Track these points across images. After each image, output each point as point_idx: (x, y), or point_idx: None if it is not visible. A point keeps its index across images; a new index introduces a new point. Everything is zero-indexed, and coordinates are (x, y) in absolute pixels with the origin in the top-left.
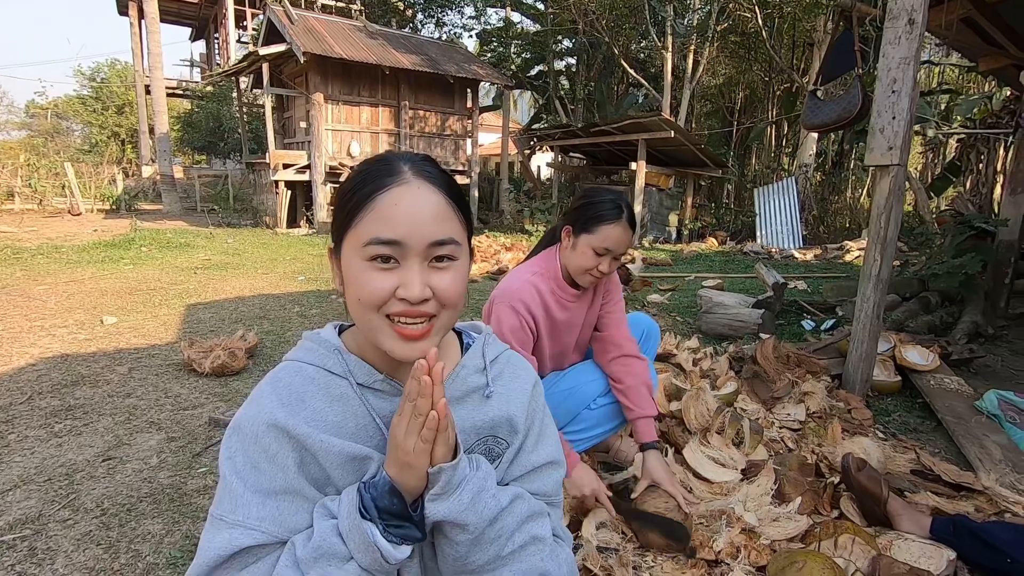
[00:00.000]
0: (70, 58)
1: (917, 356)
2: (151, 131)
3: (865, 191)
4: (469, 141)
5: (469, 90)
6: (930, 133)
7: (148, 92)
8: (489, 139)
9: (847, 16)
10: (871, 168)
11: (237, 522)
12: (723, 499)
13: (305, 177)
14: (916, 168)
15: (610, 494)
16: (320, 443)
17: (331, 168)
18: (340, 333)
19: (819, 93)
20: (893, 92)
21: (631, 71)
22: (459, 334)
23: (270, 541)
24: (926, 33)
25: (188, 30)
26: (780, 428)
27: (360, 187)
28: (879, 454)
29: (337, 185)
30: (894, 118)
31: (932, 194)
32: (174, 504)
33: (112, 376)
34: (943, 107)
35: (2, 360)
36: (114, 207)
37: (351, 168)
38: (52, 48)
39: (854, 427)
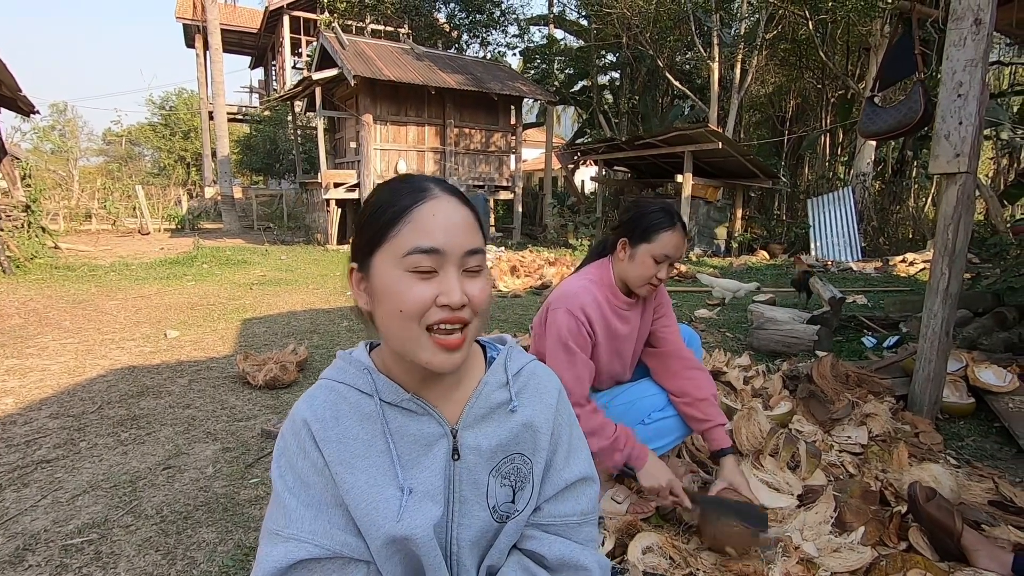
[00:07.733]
0: (142, 88)
1: (993, 376)
2: (213, 154)
3: (929, 200)
4: (513, 157)
5: (513, 107)
6: (1004, 136)
7: (211, 118)
8: (533, 154)
9: (906, 18)
10: (936, 176)
11: (292, 536)
12: (778, 526)
13: (355, 195)
14: (987, 174)
15: (684, 484)
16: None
17: None
18: (370, 351)
19: (877, 99)
20: (959, 96)
21: (676, 83)
22: (484, 348)
23: (324, 555)
24: (994, 33)
25: (248, 59)
26: (840, 452)
27: (392, 203)
28: (951, 482)
29: None
30: (960, 123)
31: (1005, 202)
32: (227, 514)
33: (173, 387)
34: (1015, 109)
35: (77, 371)
36: (179, 226)
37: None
38: (126, 79)
39: (922, 452)
